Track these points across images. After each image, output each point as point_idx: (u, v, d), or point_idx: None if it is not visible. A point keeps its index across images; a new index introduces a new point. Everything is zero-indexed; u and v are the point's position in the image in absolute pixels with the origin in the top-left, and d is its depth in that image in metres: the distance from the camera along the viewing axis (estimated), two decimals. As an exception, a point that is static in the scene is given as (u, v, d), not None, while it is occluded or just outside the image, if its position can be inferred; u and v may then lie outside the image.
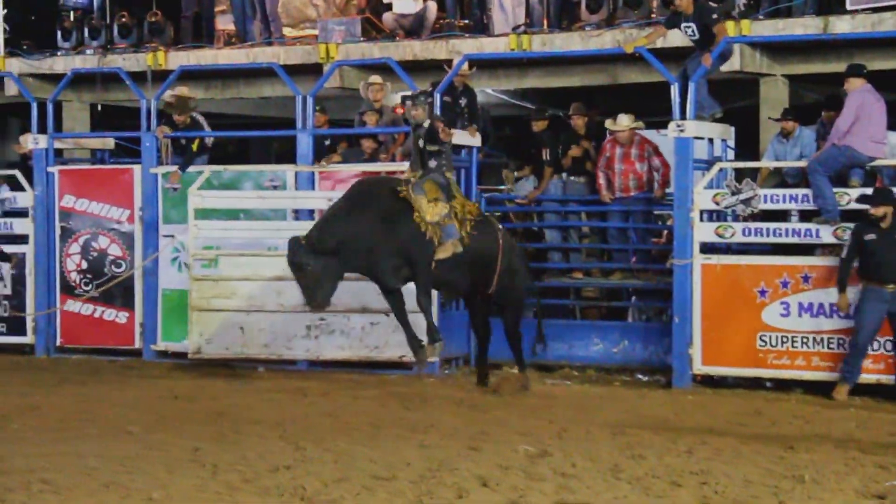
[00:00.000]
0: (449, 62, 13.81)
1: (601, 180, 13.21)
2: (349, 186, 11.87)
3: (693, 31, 12.51)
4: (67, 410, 10.65)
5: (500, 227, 12.04)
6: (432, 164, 11.40)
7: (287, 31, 16.46)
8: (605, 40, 14.30)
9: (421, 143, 11.48)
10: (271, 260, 12.79)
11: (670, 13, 12.83)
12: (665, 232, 13.52)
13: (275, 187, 13.49)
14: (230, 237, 13.39)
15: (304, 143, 13.40)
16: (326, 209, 11.85)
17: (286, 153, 15.24)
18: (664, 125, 12.52)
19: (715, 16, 12.37)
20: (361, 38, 15.56)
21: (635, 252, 13.41)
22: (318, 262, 11.06)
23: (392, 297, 11.44)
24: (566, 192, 13.65)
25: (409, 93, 12.33)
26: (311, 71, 15.23)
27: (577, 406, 11.12)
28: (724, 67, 12.94)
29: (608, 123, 13.30)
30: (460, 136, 12.96)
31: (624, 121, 13.10)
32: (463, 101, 13.51)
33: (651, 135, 13.74)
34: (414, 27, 15.55)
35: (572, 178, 13.60)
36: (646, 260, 13.40)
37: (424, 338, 11.36)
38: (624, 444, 9.12)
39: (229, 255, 13.23)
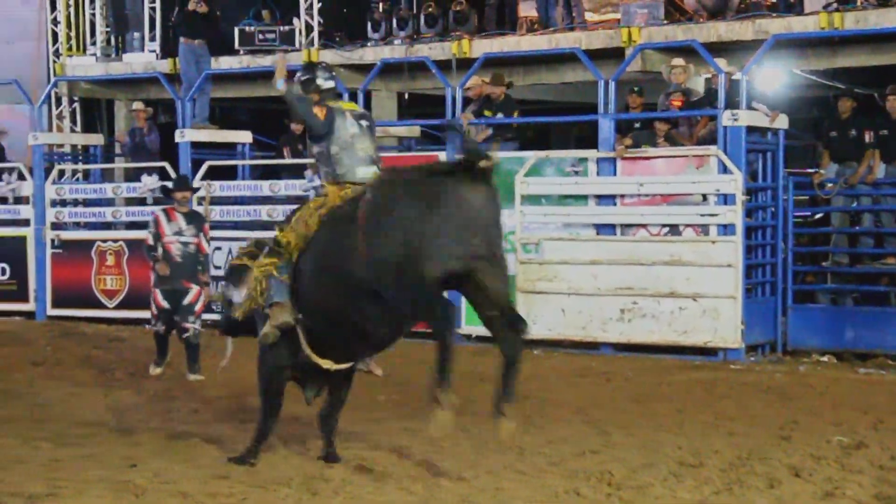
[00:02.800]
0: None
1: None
2: None
3: None
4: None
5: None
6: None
7: (589, 16, 16.45)
8: (925, 15, 13.64)
9: None
10: (588, 244, 12.97)
11: None
12: None
13: (576, 173, 13.52)
14: (552, 222, 13.57)
15: (606, 128, 13.37)
16: None
17: (586, 138, 15.25)
18: None
19: None
20: (664, 21, 15.38)
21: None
22: None
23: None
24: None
25: None
26: (613, 55, 15.16)
27: (892, 396, 10.67)
28: None
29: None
30: (763, 119, 12.68)
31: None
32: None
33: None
34: (717, 7, 15.25)
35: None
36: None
37: None
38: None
39: (551, 239, 13.44)
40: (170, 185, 12.72)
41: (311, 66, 8.38)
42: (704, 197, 12.82)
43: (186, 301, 11.69)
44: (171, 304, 11.70)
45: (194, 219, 12.06)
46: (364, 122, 8.08)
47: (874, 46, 14.39)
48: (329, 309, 7.44)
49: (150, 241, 11.82)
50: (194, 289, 11.72)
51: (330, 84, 8.22)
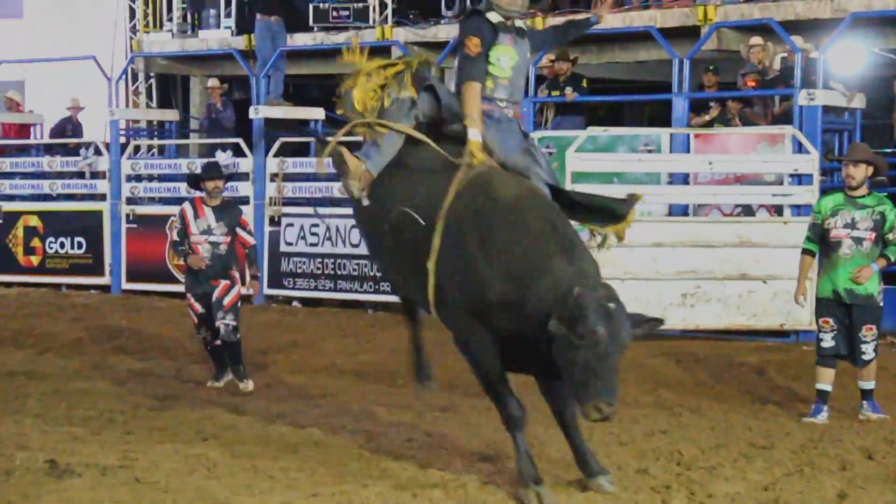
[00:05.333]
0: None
1: None
2: None
3: None
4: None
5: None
6: None
7: (664, -6, 16.28)
8: None
9: None
10: (647, 226, 12.70)
11: None
12: None
13: (649, 151, 13.41)
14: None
15: (680, 107, 13.25)
16: None
17: (658, 117, 15.12)
18: None
19: None
20: (741, -1, 15.21)
21: None
22: None
23: None
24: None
25: None
26: (688, 34, 15.01)
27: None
28: None
29: None
30: (840, 98, 12.51)
31: None
32: None
33: None
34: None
35: None
36: None
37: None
38: None
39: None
40: (199, 172, 11.34)
41: None
42: (780, 179, 12.65)
43: (214, 297, 10.38)
44: (205, 308, 10.44)
45: (226, 213, 10.57)
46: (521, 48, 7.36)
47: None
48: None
49: (176, 237, 10.68)
50: (221, 283, 10.39)
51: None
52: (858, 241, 8.85)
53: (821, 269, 9.12)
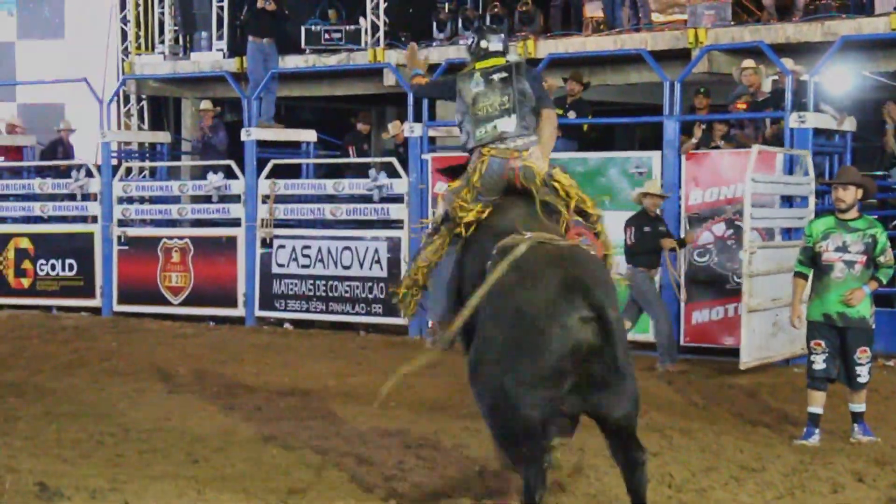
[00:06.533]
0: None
1: None
2: None
3: None
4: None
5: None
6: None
7: (655, 17, 16.37)
8: None
9: None
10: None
11: None
12: None
13: (640, 174, 13.43)
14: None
15: (671, 130, 13.28)
16: None
17: (649, 139, 15.15)
18: None
19: None
20: (731, 22, 15.27)
21: None
22: None
23: None
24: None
25: None
26: (679, 56, 15.07)
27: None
28: None
29: None
30: (830, 121, 12.54)
31: None
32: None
33: None
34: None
35: None
36: None
37: None
38: None
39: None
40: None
41: (478, 29, 7.71)
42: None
43: None
44: None
45: None
46: (495, 76, 7.21)
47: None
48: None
49: None
50: None
51: (484, 44, 7.39)
52: (850, 264, 8.85)
53: (811, 292, 9.12)
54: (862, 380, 8.87)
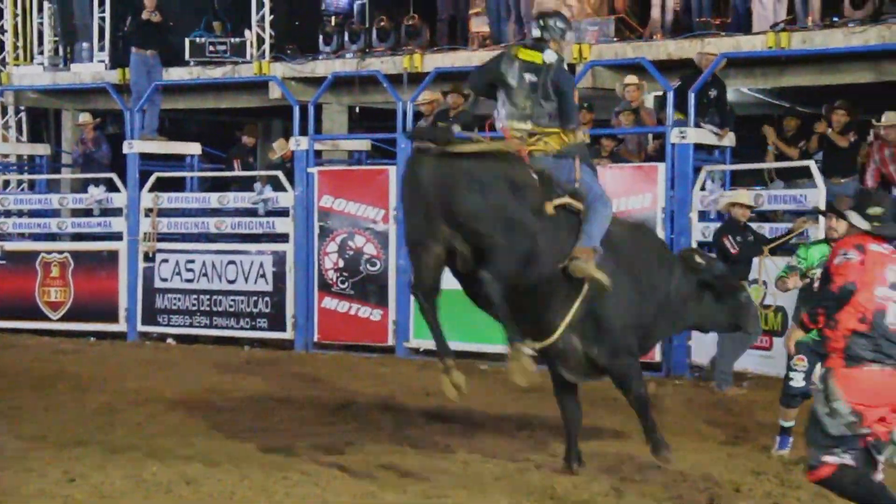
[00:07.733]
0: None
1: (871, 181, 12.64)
2: None
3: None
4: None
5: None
6: None
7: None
8: (870, 36, 13.76)
9: None
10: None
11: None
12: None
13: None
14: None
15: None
16: None
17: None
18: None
19: None
20: (615, 39, 15.46)
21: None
22: None
23: None
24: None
25: None
26: (564, 71, 15.18)
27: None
28: None
29: (883, 121, 12.67)
30: (711, 136, 12.77)
31: (892, 118, 12.55)
32: (713, 93, 13.18)
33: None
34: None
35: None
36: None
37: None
38: None
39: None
40: None
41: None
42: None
43: None
44: None
45: None
46: (528, 76, 8.04)
47: (820, 66, 14.53)
48: None
49: None
50: None
51: (535, 32, 8.20)
52: None
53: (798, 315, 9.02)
54: None
